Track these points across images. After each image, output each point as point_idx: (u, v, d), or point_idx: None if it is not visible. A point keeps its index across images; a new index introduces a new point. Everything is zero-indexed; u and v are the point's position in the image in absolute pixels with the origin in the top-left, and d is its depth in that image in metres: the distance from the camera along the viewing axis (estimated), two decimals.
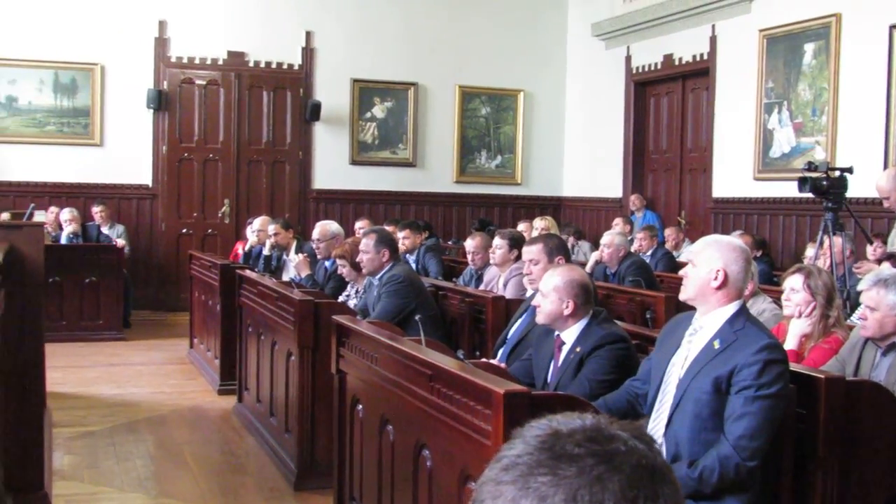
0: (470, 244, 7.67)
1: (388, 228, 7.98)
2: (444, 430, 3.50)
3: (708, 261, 3.54)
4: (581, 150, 13.91)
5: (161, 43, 12.63)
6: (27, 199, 11.66)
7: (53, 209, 11.42)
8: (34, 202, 8.53)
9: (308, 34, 13.09)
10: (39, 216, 7.27)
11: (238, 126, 12.94)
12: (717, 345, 3.39)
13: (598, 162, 13.51)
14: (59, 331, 9.73)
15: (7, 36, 12.04)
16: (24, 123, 12.22)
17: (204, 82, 12.83)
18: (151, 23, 12.55)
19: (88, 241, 11.09)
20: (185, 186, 12.80)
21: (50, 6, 12.15)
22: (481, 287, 7.11)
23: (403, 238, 8.69)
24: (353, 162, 13.35)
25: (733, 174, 11.03)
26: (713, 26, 11.33)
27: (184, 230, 12.79)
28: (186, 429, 6.96)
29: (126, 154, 12.51)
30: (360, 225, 9.40)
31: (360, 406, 4.55)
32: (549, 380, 4.25)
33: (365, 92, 13.39)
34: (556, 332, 4.29)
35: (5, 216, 10.73)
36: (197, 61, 12.78)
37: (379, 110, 13.46)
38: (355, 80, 13.28)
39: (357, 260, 6.50)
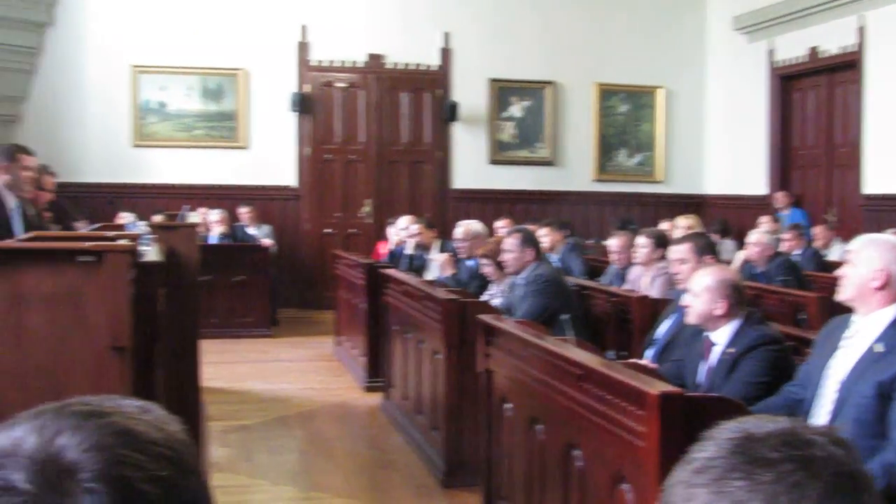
0: (613, 243, 7.61)
1: (530, 227, 7.97)
2: (595, 431, 3.48)
3: (868, 261, 3.44)
4: (723, 147, 13.64)
5: (303, 47, 12.90)
6: (177, 201, 12.04)
7: (202, 210, 11.80)
8: (187, 204, 8.83)
9: (446, 35, 13.18)
10: (192, 218, 7.53)
11: (378, 127, 13.14)
12: (880, 348, 3.29)
13: (740, 158, 13.23)
14: (210, 328, 10.01)
15: (157, 45, 12.50)
16: (173, 128, 12.67)
17: (345, 85, 13.06)
18: (294, 28, 12.84)
19: (236, 241, 11.41)
20: (328, 187, 13.05)
21: (196, 16, 12.56)
22: (625, 286, 7.05)
23: (543, 236, 8.67)
24: (492, 161, 13.39)
25: (886, 170, 10.65)
26: (862, 16, 10.95)
27: (327, 230, 13.05)
28: (335, 424, 7.10)
29: (270, 156, 12.85)
30: (502, 224, 9.42)
31: (508, 405, 4.57)
32: (700, 381, 4.19)
33: (503, 91, 13.42)
34: (707, 333, 4.23)
35: (158, 218, 11.14)
36: (337, 64, 13.01)
37: (517, 109, 13.47)
38: (493, 80, 13.32)
39: (501, 259, 6.51)
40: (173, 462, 0.89)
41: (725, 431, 1.05)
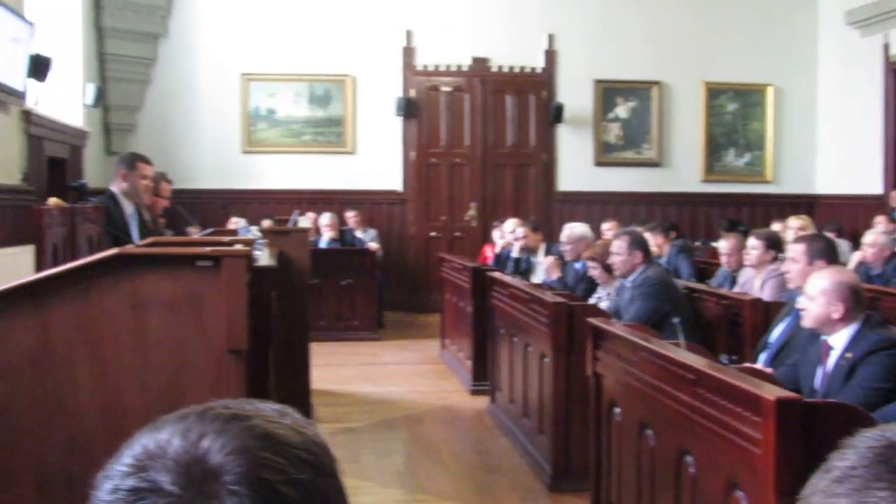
0: (723, 245, 7.48)
1: (639, 229, 7.88)
2: (708, 437, 3.42)
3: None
4: (835, 145, 13.29)
5: (408, 52, 13.00)
6: (285, 206, 12.26)
7: (310, 215, 11.95)
8: (296, 209, 8.98)
9: (550, 37, 13.14)
10: (303, 222, 7.64)
11: (483, 130, 13.16)
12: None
13: (854, 156, 12.86)
14: (318, 331, 10.15)
15: (266, 53, 12.74)
16: (282, 134, 12.89)
17: (449, 89, 13.12)
18: (399, 33, 12.94)
19: (344, 245, 11.54)
20: (433, 191, 13.12)
21: (304, 23, 12.76)
22: (736, 289, 6.92)
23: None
24: (598, 163, 13.30)
25: None
26: None
27: (432, 233, 13.12)
28: (442, 427, 7.13)
29: (377, 161, 12.98)
30: (608, 226, 9.34)
31: (618, 409, 4.53)
32: (816, 386, 4.09)
33: (608, 92, 13.31)
34: (824, 337, 4.12)
35: (267, 223, 11.33)
36: (442, 69, 13.08)
37: (622, 110, 13.36)
38: (598, 81, 13.23)
39: (609, 262, 6.46)
40: (312, 465, 0.91)
41: (866, 439, 1.02)
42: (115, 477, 0.89)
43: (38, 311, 3.07)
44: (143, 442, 0.91)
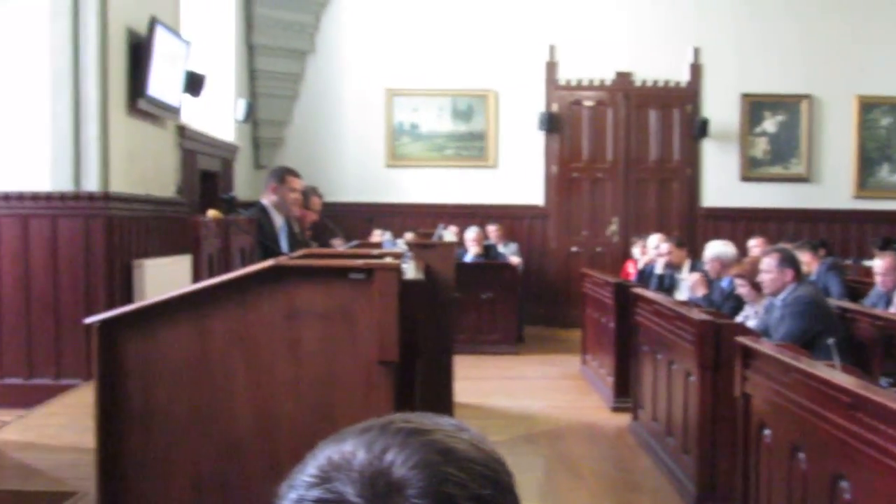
0: (878, 264, 7.22)
1: (788, 246, 7.68)
2: (866, 462, 3.30)
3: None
4: None
5: (551, 67, 12.99)
6: (427, 220, 12.41)
7: (452, 229, 12.03)
8: (441, 223, 9.08)
9: (696, 50, 12.94)
10: (449, 236, 7.69)
11: (626, 145, 13.04)
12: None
13: None
14: (458, 343, 10.19)
15: (410, 69, 12.91)
16: (425, 148, 13.04)
17: (592, 103, 13.05)
18: (542, 48, 12.95)
19: (488, 259, 11.56)
20: (575, 206, 13.06)
21: (448, 39, 12.89)
22: (892, 309, 6.66)
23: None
24: (744, 178, 13.02)
25: None
26: None
27: (573, 248, 13.06)
28: (582, 443, 7.06)
29: (518, 175, 13.00)
30: (755, 243, 9.12)
31: (767, 430, 4.40)
32: None
33: (755, 106, 13.03)
34: None
35: (409, 236, 11.46)
36: (585, 83, 13.02)
37: (770, 124, 13.05)
38: (745, 95, 12.97)
39: (758, 280, 6.31)
40: (492, 481, 0.91)
41: None
42: (299, 487, 0.90)
43: (198, 319, 3.17)
44: (327, 453, 0.92)
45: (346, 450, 0.91)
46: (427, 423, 0.95)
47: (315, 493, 0.88)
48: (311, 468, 0.91)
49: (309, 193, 7.21)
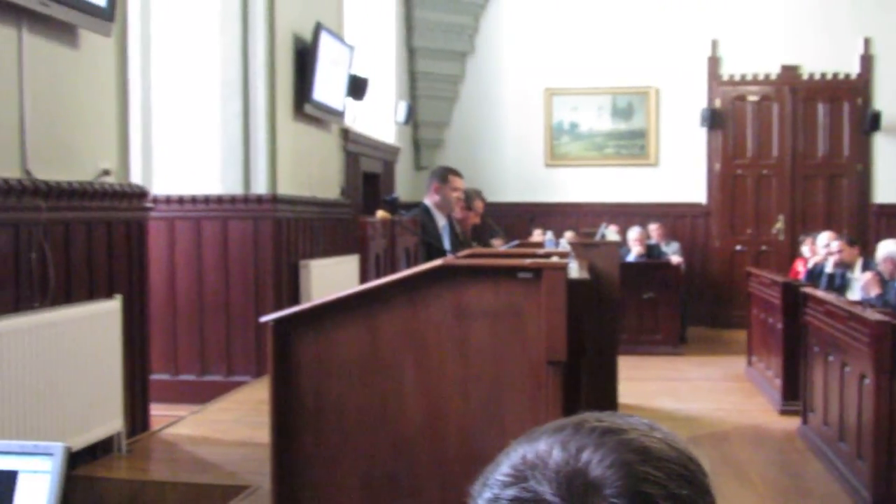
0: None
1: None
2: None
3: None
4: None
5: (713, 62, 12.73)
6: (587, 219, 12.37)
7: (613, 228, 11.93)
8: (603, 222, 9.02)
9: (866, 41, 12.46)
10: (610, 235, 7.63)
11: (792, 140, 12.67)
12: None
13: None
14: (621, 343, 10.11)
15: (569, 68, 12.87)
16: (584, 147, 12.96)
17: (756, 98, 12.73)
18: (704, 43, 12.70)
19: (650, 257, 11.41)
20: (739, 203, 12.77)
21: (607, 37, 12.79)
22: None
23: None
24: None
25: None
26: None
27: (737, 247, 12.77)
28: (749, 447, 6.89)
29: (680, 173, 12.79)
30: None
31: None
32: None
33: None
34: None
35: (570, 235, 11.43)
36: (749, 77, 12.71)
37: None
38: None
39: None
40: (689, 480, 0.90)
41: None
42: (494, 486, 0.90)
43: (369, 318, 3.24)
44: (521, 452, 0.92)
45: (541, 449, 0.91)
46: (620, 422, 0.94)
47: (510, 492, 0.88)
48: (505, 467, 0.91)
49: (472, 196, 7.26)
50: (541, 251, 4.47)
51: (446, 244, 6.29)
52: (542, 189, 12.96)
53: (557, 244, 5.75)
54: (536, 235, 11.16)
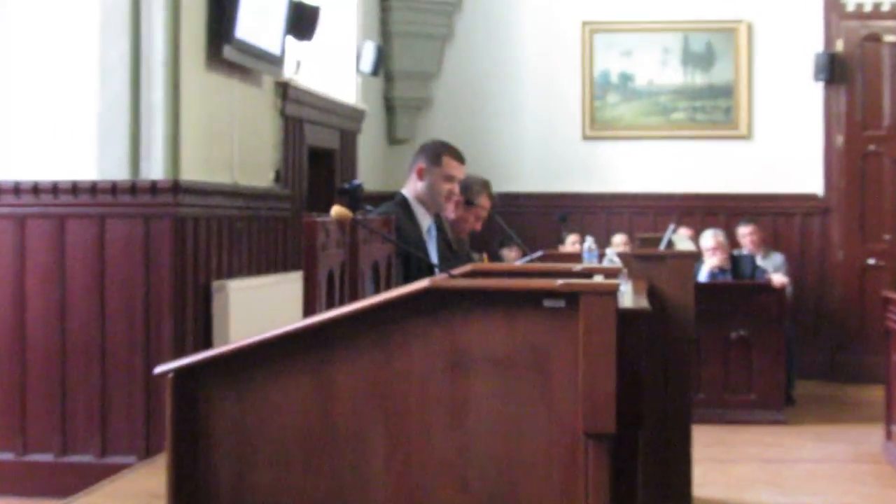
0: None
1: None
2: None
3: None
4: None
5: None
6: (647, 219, 12.37)
7: (684, 231, 11.91)
8: (671, 222, 8.99)
9: None
10: (682, 242, 7.54)
11: None
12: None
13: None
14: (695, 406, 10.07)
15: None
16: (641, 111, 12.99)
17: None
18: None
19: (737, 275, 11.37)
20: (872, 195, 12.82)
21: None
22: None
23: None
24: None
25: None
26: None
27: (870, 260, 12.79)
28: None
29: (784, 149, 12.84)
30: None
31: None
32: None
33: None
34: None
35: (620, 239, 11.44)
36: (885, 8, 12.75)
37: None
38: None
39: None
40: None
41: None
42: None
43: (319, 367, 3.20)
44: None
45: None
46: None
47: None
48: None
49: (475, 188, 7.23)
50: (577, 267, 4.44)
51: (433, 256, 6.26)
52: (578, 174, 12.96)
53: (601, 257, 5.72)
54: (570, 244, 11.16)
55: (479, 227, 7.54)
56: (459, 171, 6.41)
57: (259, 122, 9.31)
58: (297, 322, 3.35)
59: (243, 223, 8.81)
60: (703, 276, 11.19)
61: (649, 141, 12.97)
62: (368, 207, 6.33)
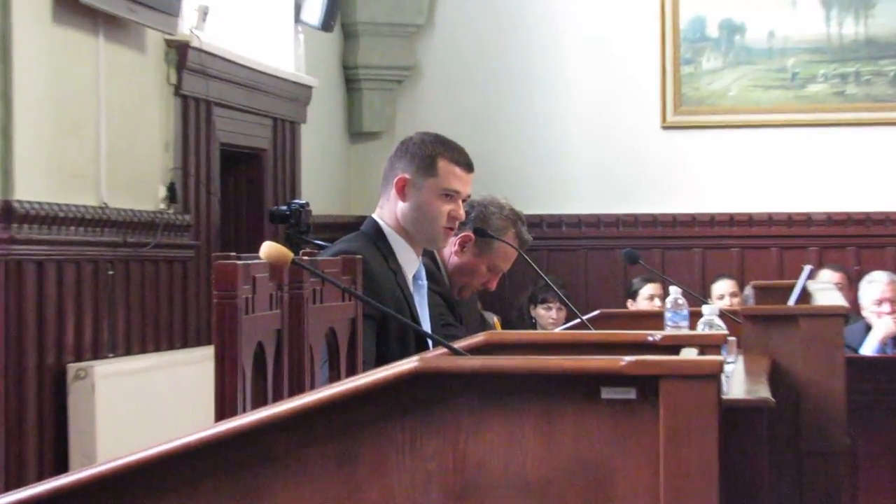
0: None
1: None
2: None
3: None
4: None
5: None
6: (768, 254, 12.43)
7: (828, 273, 11.93)
8: (806, 262, 8.98)
9: None
10: (823, 294, 7.52)
11: None
12: None
13: None
14: None
15: None
16: (757, 82, 13.05)
17: None
18: None
19: None
20: None
21: None
22: None
23: None
24: None
25: None
26: None
27: None
28: None
29: None
30: None
31: None
32: None
33: None
34: None
35: (723, 291, 11.50)
36: None
37: None
38: None
39: None
40: None
41: None
42: None
43: (245, 498, 3.24)
44: None
45: None
46: None
47: None
48: None
49: (495, 219, 7.21)
50: (656, 335, 4.44)
51: (423, 318, 6.31)
52: (654, 186, 13.03)
53: (695, 318, 5.77)
54: (645, 297, 11.23)
55: (493, 285, 7.50)
56: (464, 184, 6.42)
57: (141, 105, 9.35)
58: (206, 428, 3.37)
59: (117, 269, 8.84)
60: (867, 347, 11.24)
61: (770, 130, 13.03)
62: (320, 242, 6.38)
